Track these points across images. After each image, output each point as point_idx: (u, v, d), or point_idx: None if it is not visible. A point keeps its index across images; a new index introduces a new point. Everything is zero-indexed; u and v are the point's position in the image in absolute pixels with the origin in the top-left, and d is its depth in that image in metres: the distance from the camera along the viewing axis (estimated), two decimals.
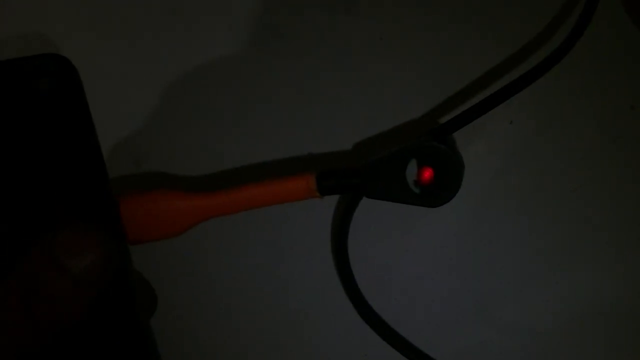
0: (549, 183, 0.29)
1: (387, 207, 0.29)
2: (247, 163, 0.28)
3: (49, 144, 0.20)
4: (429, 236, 0.29)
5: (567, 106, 0.28)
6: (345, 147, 0.29)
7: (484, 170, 0.29)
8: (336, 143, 0.28)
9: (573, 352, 0.29)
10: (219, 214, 0.25)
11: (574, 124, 0.28)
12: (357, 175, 0.25)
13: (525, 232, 0.29)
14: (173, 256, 0.29)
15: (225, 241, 0.29)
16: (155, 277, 0.29)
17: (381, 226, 0.29)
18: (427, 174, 0.25)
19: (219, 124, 0.28)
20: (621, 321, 0.29)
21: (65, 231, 0.19)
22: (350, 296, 0.29)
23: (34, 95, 0.20)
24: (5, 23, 0.27)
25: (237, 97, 0.28)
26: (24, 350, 0.18)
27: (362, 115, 0.28)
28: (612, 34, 0.28)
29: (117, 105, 0.28)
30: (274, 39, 0.28)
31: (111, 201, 0.22)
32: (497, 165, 0.29)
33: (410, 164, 0.25)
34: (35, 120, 0.20)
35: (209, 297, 0.30)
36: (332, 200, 0.29)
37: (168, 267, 0.29)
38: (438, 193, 0.25)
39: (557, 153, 0.29)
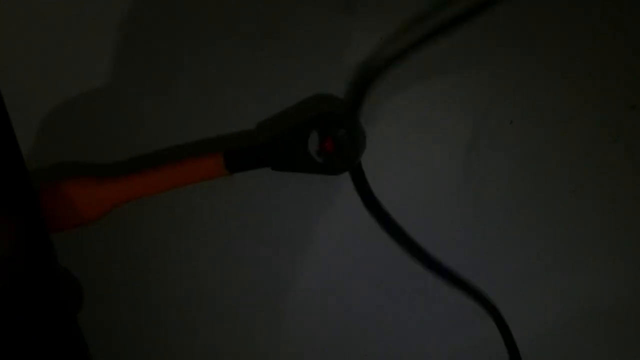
0: (549, 183, 0.29)
1: (389, 208, 0.29)
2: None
3: None
4: (429, 236, 0.29)
5: (567, 106, 0.28)
6: None
7: (484, 170, 0.29)
8: None
9: (573, 352, 0.29)
10: (133, 196, 0.26)
11: (574, 124, 0.28)
12: (263, 151, 0.26)
13: (525, 232, 0.29)
14: (170, 251, 0.29)
15: (224, 240, 0.29)
16: (159, 276, 0.29)
17: (379, 233, 0.29)
18: (328, 143, 0.26)
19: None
20: (621, 321, 0.29)
21: None
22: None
23: None
24: None
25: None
26: None
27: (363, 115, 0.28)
28: (611, 34, 0.28)
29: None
30: (274, 39, 0.28)
31: (30, 192, 0.23)
32: (497, 165, 0.29)
33: (312, 135, 0.26)
34: None
35: (206, 296, 0.30)
36: (331, 200, 0.29)
37: (167, 263, 0.29)
38: (340, 160, 0.26)
39: (557, 153, 0.29)
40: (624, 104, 0.28)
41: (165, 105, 0.28)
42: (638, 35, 0.28)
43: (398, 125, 0.28)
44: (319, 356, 0.30)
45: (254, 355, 0.30)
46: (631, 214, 0.29)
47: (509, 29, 0.28)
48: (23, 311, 0.21)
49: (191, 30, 0.28)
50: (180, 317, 0.30)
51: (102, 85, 0.28)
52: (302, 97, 0.28)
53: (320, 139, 0.26)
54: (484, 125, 0.28)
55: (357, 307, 0.29)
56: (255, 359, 0.30)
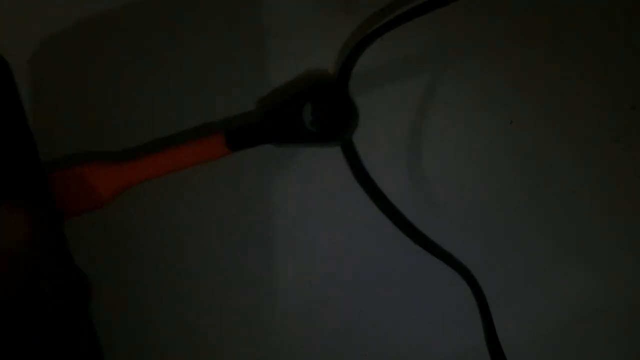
0: (549, 183, 0.29)
1: None
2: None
3: None
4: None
5: (567, 106, 0.28)
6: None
7: (484, 170, 0.29)
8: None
9: (573, 352, 0.29)
10: (144, 177, 0.27)
11: (574, 124, 0.28)
12: (261, 127, 0.27)
13: (525, 232, 0.29)
14: (166, 250, 0.29)
15: (220, 240, 0.29)
16: (151, 276, 0.29)
17: (383, 223, 0.29)
18: (319, 110, 0.27)
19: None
20: (621, 321, 0.29)
21: None
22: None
23: None
24: None
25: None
26: None
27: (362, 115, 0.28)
28: (612, 34, 0.28)
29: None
30: (274, 39, 0.28)
31: (43, 178, 0.23)
32: (497, 165, 0.29)
33: (305, 106, 0.27)
34: None
35: (205, 295, 0.30)
36: (326, 199, 0.29)
37: (165, 262, 0.29)
38: (332, 127, 0.27)
39: (557, 153, 0.29)
40: (624, 104, 0.28)
41: (164, 94, 0.29)
42: (638, 35, 0.28)
43: (397, 127, 0.28)
44: (319, 356, 0.30)
45: (254, 355, 0.30)
46: (631, 214, 0.29)
47: (509, 28, 0.28)
48: (39, 302, 0.21)
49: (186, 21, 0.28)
50: (180, 316, 0.30)
51: (101, 80, 0.28)
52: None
53: (313, 108, 0.27)
54: (484, 125, 0.28)
55: (358, 307, 0.29)
56: (255, 359, 0.30)
